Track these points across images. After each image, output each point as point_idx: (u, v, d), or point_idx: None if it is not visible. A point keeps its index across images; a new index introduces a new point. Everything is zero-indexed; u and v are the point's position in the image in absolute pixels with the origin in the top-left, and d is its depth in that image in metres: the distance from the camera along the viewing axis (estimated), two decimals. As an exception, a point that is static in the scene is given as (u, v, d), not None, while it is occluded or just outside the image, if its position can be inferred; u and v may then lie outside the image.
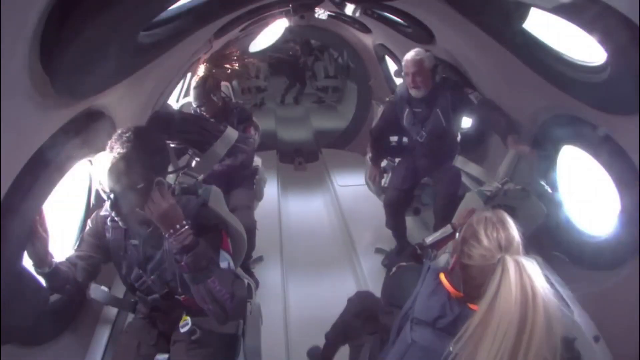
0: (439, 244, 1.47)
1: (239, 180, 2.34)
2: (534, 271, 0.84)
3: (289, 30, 3.80)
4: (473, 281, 0.94)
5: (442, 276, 1.05)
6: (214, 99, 2.31)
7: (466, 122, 2.58)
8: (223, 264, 1.18)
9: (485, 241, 0.94)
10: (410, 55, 2.27)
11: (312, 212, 3.72)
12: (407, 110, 2.40)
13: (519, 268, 0.84)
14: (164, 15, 1.26)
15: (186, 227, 1.09)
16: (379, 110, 2.97)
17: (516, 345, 0.78)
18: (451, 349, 0.86)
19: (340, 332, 1.67)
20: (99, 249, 1.25)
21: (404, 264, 1.30)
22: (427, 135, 2.38)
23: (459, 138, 2.51)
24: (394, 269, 1.29)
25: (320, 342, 1.80)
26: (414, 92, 2.29)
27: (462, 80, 2.46)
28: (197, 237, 1.10)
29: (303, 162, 4.68)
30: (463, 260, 0.97)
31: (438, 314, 0.98)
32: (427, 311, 1.00)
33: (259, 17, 2.84)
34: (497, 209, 1.04)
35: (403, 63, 2.30)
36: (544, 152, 1.85)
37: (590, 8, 1.11)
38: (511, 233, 0.96)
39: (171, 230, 1.07)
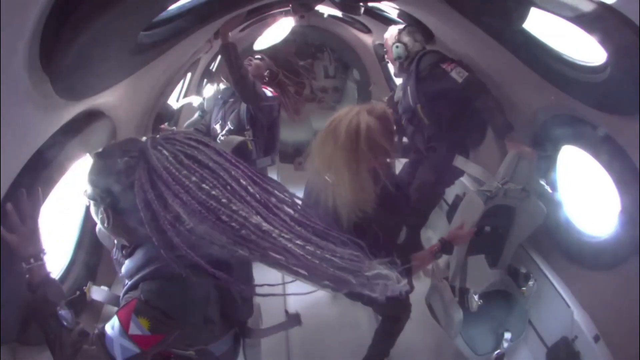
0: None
1: None
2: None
3: (290, 32, 3.80)
4: None
5: None
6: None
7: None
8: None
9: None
10: (386, 33, 2.30)
11: (312, 212, 3.70)
12: (401, 94, 2.41)
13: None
14: (164, 15, 1.26)
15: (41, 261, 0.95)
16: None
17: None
18: None
19: None
20: None
21: None
22: (404, 118, 2.34)
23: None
24: None
25: (319, 342, 1.80)
26: (393, 70, 2.31)
27: (440, 54, 2.20)
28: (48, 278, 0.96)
29: (303, 162, 4.65)
30: None
31: None
32: None
33: (259, 17, 2.83)
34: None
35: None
36: (544, 152, 1.85)
37: (590, 8, 1.11)
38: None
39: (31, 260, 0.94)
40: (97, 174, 0.91)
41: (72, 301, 1.13)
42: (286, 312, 1.32)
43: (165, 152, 0.85)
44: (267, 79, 2.41)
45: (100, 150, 0.95)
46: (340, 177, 1.22)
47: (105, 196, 0.90)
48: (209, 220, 0.80)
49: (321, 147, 1.26)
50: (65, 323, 0.93)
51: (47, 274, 0.97)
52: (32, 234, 0.94)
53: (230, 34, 2.06)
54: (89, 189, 0.93)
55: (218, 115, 2.29)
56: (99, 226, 1.16)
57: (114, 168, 0.88)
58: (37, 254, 0.95)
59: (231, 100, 2.34)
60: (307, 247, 0.85)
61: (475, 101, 2.03)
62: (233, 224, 0.81)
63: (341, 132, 1.20)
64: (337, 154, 1.21)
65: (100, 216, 0.93)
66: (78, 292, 1.30)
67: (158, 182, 0.82)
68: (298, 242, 0.85)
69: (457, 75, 2.02)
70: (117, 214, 0.91)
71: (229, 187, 0.84)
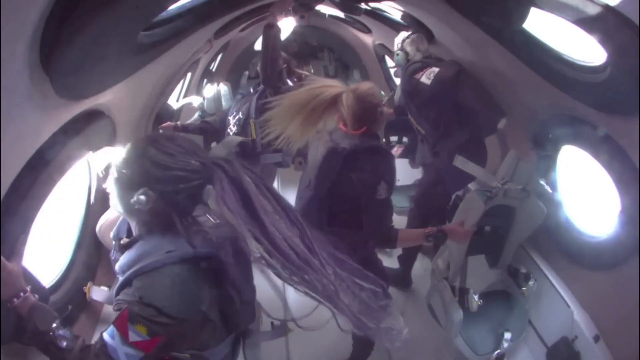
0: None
1: None
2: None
3: (291, 32, 3.81)
4: None
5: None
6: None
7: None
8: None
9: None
10: (397, 37, 2.35)
11: (312, 212, 3.70)
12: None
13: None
14: (164, 15, 1.26)
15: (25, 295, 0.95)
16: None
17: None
18: None
19: None
20: None
21: None
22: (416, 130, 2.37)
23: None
24: None
25: (319, 341, 1.80)
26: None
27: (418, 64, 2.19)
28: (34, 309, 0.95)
29: (303, 161, 4.66)
30: None
31: None
32: None
33: (259, 17, 2.83)
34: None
35: None
36: (544, 152, 1.85)
37: (590, 8, 1.11)
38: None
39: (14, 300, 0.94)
40: (166, 159, 0.91)
41: (68, 316, 1.13)
42: (272, 324, 1.42)
43: (237, 167, 0.99)
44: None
45: (173, 136, 0.99)
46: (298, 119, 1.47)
47: (158, 182, 0.90)
48: (265, 243, 0.96)
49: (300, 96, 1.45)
50: (64, 344, 0.94)
51: (34, 305, 0.97)
52: (15, 274, 0.95)
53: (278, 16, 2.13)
54: (133, 167, 0.91)
55: (234, 108, 2.35)
56: (100, 222, 1.17)
57: (185, 162, 0.93)
58: (19, 292, 0.95)
59: (248, 95, 2.39)
60: (338, 285, 1.04)
61: (455, 97, 2.01)
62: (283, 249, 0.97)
63: (319, 94, 1.42)
64: (308, 104, 1.43)
65: (137, 197, 0.89)
66: (70, 307, 1.31)
67: (238, 192, 0.95)
68: (332, 278, 1.03)
69: (426, 78, 2.03)
70: (161, 200, 0.92)
71: (288, 222, 1.02)
